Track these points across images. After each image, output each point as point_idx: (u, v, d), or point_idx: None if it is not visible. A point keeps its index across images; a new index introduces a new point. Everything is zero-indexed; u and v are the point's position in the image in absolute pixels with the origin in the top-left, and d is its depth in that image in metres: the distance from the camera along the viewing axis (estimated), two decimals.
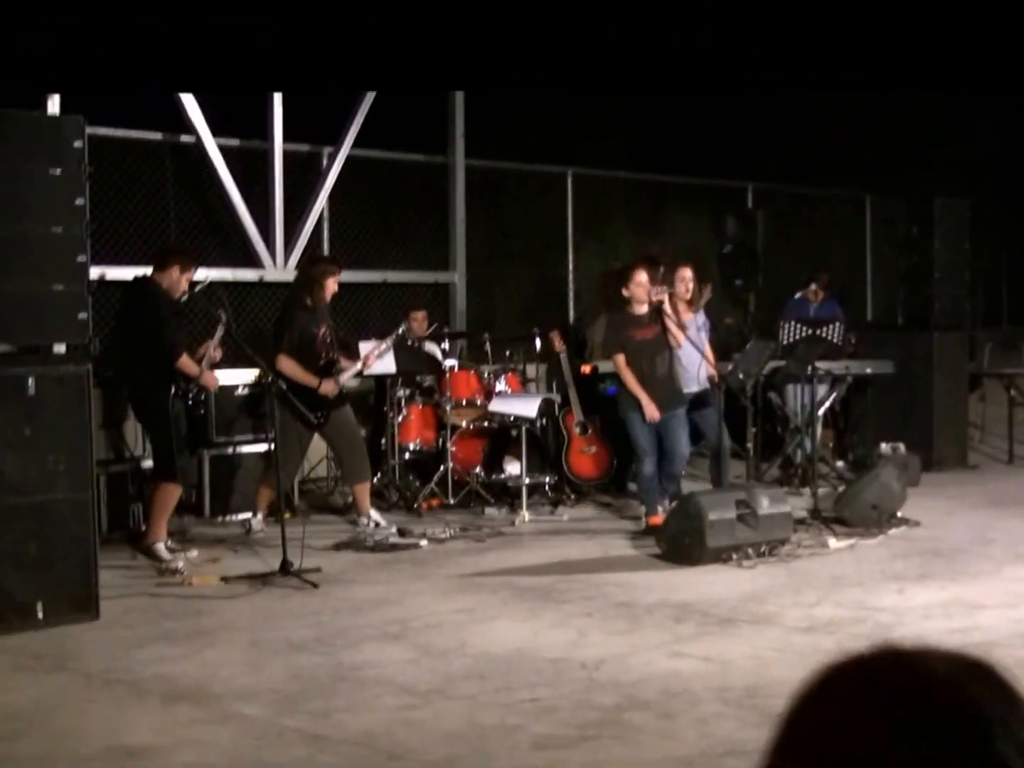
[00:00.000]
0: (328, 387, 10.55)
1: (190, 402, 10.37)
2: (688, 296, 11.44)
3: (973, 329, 16.30)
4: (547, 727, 6.01)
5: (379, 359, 11.33)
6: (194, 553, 9.97)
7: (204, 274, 10.53)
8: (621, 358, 10.89)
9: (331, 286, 10.75)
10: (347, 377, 10.94)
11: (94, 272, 9.46)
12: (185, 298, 10.03)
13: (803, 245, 17.20)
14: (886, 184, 17.26)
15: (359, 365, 11.12)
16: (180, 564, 9.49)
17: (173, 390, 9.88)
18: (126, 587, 9.02)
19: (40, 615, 7.87)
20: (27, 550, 7.89)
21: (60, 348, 8.21)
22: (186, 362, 9.85)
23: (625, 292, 10.97)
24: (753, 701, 6.25)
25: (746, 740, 5.69)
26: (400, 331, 11.66)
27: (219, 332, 10.07)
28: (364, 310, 14.22)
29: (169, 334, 9.79)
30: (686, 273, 11.46)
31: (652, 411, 10.76)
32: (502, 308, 16.09)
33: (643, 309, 10.92)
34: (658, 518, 10.64)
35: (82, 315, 8.10)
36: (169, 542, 9.96)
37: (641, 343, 10.86)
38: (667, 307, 10.90)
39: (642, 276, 10.92)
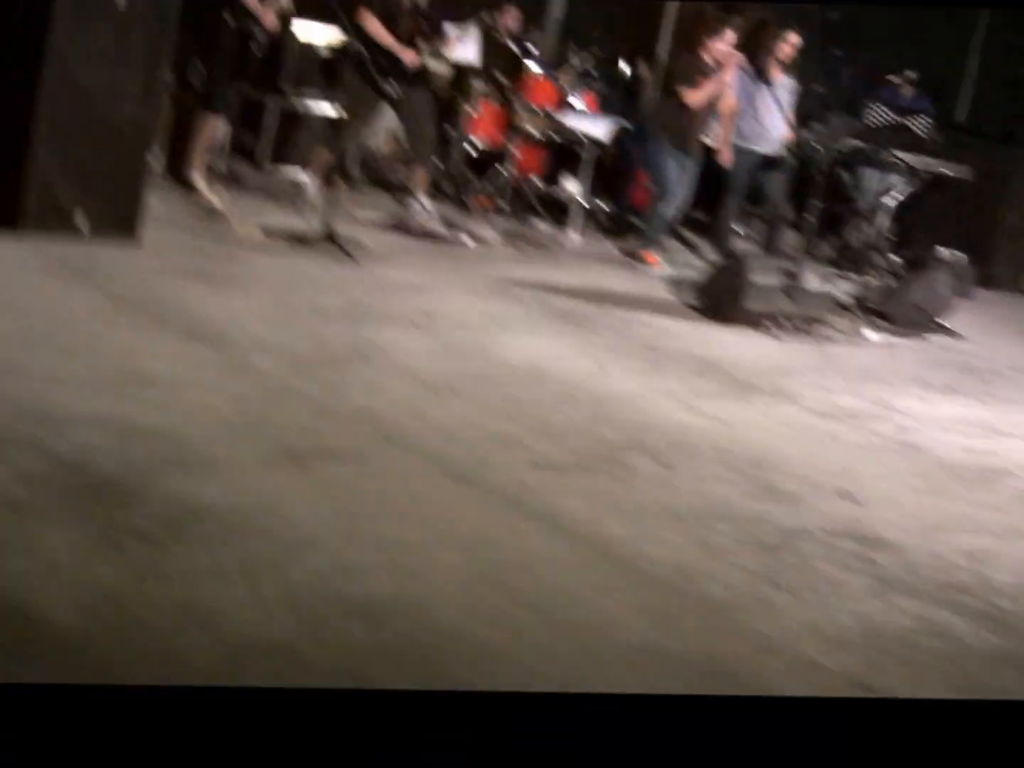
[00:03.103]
0: (410, 56, 10.17)
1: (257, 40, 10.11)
2: (786, 60, 11.44)
3: None
4: (548, 447, 6.05)
5: (459, 43, 11.13)
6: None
7: None
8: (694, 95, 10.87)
9: None
10: (426, 50, 10.53)
11: None
12: None
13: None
14: None
15: (442, 45, 10.77)
16: (217, 202, 9.54)
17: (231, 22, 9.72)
18: (170, 220, 8.94)
19: (81, 225, 7.85)
20: (81, 157, 7.80)
21: None
22: None
23: (707, 38, 10.91)
24: (755, 472, 6.26)
25: (740, 508, 5.73)
26: (486, 19, 11.48)
27: None
28: None
29: None
30: (793, 39, 11.36)
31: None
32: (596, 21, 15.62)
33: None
34: (654, 257, 10.95)
35: None
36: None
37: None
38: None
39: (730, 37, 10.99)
